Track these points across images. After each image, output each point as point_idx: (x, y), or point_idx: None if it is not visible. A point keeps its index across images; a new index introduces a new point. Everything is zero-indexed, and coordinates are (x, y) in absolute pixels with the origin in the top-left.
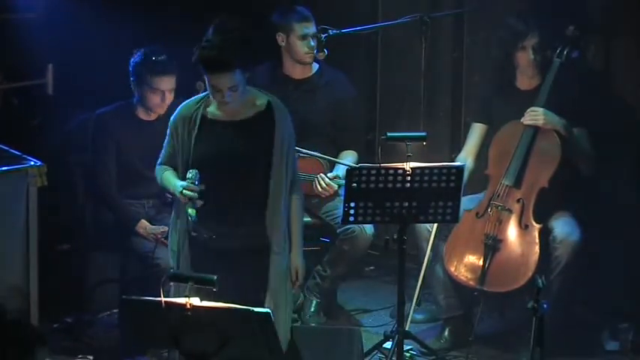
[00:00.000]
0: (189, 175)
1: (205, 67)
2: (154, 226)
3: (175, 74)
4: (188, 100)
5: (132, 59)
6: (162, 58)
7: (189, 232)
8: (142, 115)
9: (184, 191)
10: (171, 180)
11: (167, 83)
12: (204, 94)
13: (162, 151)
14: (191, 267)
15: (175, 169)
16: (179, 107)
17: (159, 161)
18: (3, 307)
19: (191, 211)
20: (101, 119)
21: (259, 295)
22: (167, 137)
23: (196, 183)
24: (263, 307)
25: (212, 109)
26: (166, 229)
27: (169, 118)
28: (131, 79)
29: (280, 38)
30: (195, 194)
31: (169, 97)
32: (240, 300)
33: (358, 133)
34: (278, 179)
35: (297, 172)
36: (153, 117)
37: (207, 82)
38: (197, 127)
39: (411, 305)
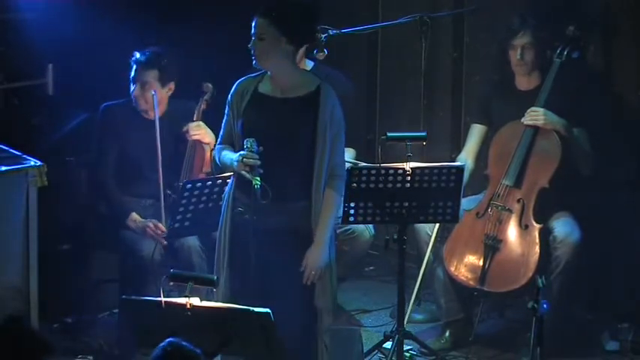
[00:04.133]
0: (246, 143)
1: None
2: (143, 220)
3: (158, 69)
4: (244, 77)
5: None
6: (147, 52)
7: (234, 210)
8: (144, 113)
9: (244, 160)
10: (228, 155)
11: (147, 75)
12: (261, 72)
13: (221, 130)
14: (230, 246)
15: (234, 146)
16: (235, 84)
17: (218, 141)
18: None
19: (256, 180)
20: (107, 111)
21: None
22: (225, 116)
23: (255, 150)
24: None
25: (264, 85)
26: (157, 222)
27: (171, 118)
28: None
29: None
30: (257, 161)
31: (150, 91)
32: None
33: (356, 129)
34: (320, 164)
35: (342, 168)
36: (152, 116)
37: None
38: (248, 100)
39: (409, 305)
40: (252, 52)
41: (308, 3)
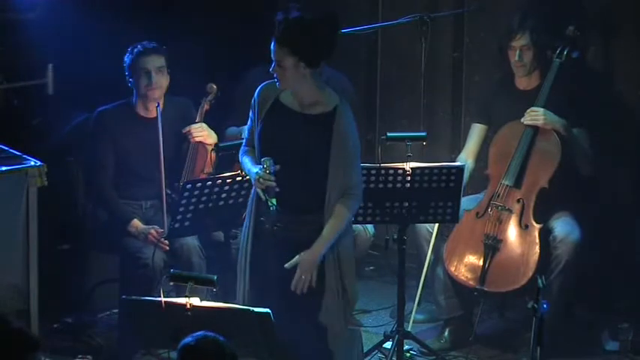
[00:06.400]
0: (263, 163)
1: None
2: (145, 226)
3: (163, 55)
4: (270, 81)
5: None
6: (148, 43)
7: (257, 218)
8: (141, 112)
9: (260, 180)
10: (247, 165)
11: (154, 61)
12: None
13: (246, 131)
14: (252, 257)
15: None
16: (260, 86)
17: (243, 143)
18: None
19: (272, 201)
20: (101, 116)
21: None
22: (249, 119)
23: (272, 171)
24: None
25: (286, 96)
26: (159, 228)
27: (169, 116)
28: (126, 75)
29: None
30: (272, 182)
31: (157, 79)
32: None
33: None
34: (332, 184)
35: (357, 189)
36: (152, 114)
37: None
38: (269, 107)
39: (413, 306)
40: (275, 76)
41: (324, 22)
